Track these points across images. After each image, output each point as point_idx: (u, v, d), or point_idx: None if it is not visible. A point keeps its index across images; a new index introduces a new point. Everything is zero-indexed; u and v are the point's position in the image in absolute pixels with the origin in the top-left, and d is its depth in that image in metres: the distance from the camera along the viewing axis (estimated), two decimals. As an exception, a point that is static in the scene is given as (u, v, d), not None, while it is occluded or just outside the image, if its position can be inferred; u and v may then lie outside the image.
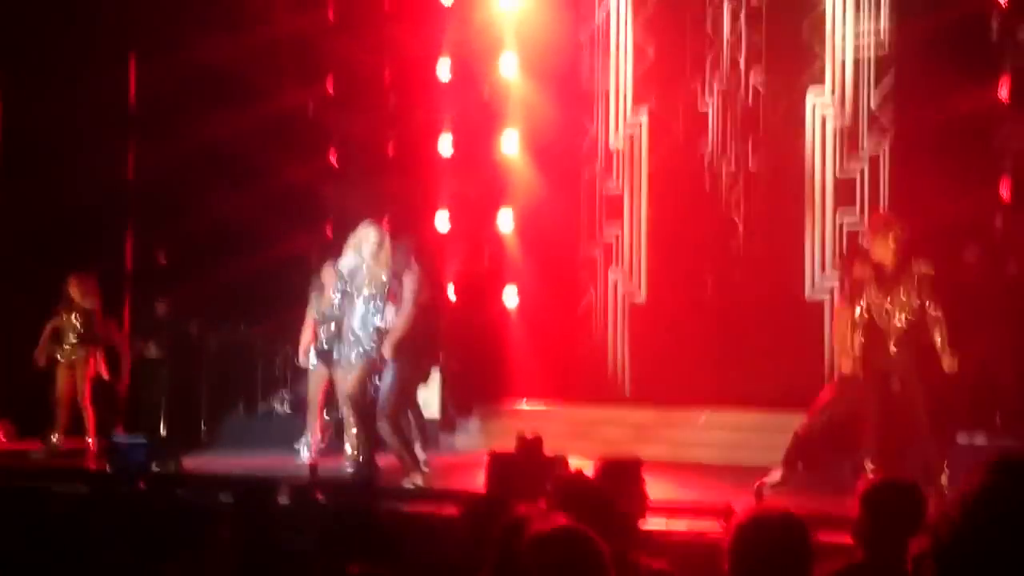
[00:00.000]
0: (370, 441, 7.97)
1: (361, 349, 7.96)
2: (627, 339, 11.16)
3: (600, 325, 11.28)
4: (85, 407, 9.95)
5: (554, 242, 11.29)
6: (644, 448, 9.38)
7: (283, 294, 10.44)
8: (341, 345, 8.16)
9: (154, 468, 7.94)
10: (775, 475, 7.29)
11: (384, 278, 7.95)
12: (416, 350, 8.02)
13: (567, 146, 11.43)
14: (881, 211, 9.47)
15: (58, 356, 9.95)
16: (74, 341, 9.96)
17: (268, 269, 10.95)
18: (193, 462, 9.08)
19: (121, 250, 11.87)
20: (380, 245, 7.99)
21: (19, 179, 11.36)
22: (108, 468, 8.04)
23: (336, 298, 8.14)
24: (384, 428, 7.74)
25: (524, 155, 11.45)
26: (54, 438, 9.89)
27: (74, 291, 10.02)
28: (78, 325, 9.94)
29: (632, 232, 11.21)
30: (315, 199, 11.88)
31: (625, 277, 11.22)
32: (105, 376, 10.14)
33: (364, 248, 7.96)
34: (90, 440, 9.82)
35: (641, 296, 11.13)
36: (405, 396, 8.04)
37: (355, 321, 7.99)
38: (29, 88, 11.38)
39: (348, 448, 8.88)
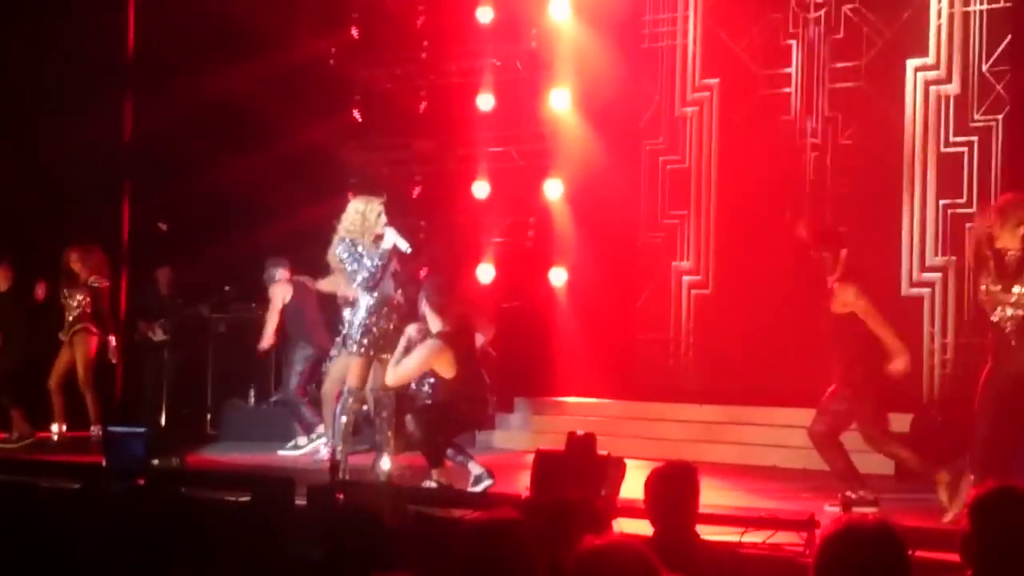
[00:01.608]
0: (391, 436, 8.04)
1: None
2: (692, 331, 11.12)
3: (661, 314, 11.24)
4: (85, 393, 10.06)
5: (609, 220, 11.22)
6: (712, 449, 9.47)
7: (300, 270, 10.47)
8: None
9: (154, 463, 8.01)
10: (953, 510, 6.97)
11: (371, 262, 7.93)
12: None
13: (626, 109, 11.32)
14: (1012, 193, 9.19)
15: (60, 336, 10.09)
16: (72, 320, 10.07)
17: (284, 241, 11.00)
18: (198, 457, 9.15)
19: (118, 219, 11.96)
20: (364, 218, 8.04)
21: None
22: (103, 462, 8.11)
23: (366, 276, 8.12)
24: (412, 422, 7.76)
25: (576, 116, 11.35)
26: (54, 428, 10.02)
27: (76, 265, 10.12)
28: (79, 302, 10.04)
29: (699, 214, 11.12)
30: (336, 162, 11.92)
31: (690, 265, 11.16)
32: (114, 360, 10.25)
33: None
34: (94, 430, 9.94)
35: (708, 286, 11.06)
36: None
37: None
38: (4, 33, 11.47)
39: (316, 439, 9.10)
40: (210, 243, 11.31)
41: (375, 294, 8.02)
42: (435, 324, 7.68)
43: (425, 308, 7.72)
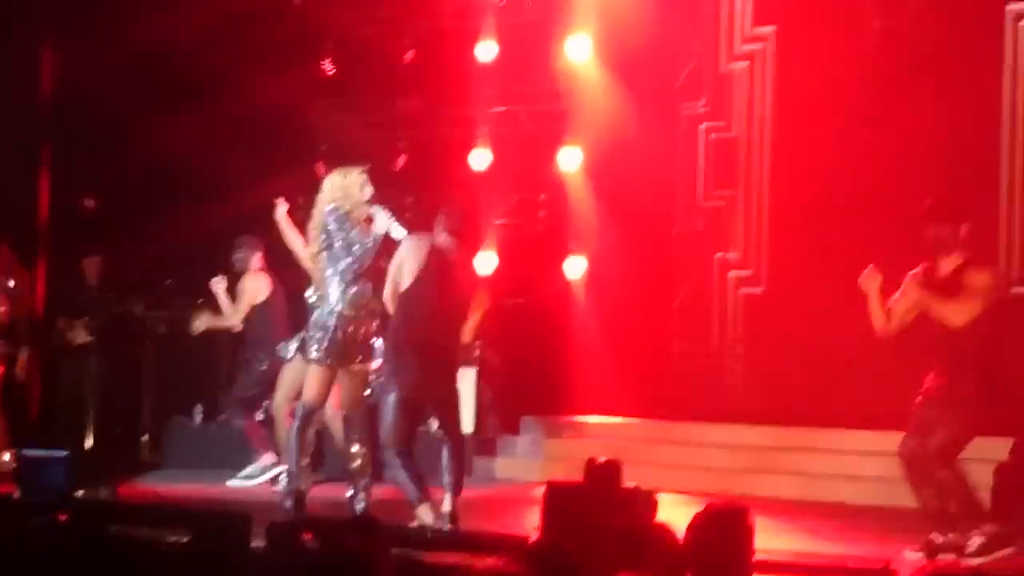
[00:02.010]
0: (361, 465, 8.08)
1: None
2: (741, 339, 11.12)
3: (702, 319, 11.24)
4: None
5: (638, 201, 11.21)
6: (765, 481, 9.47)
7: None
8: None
9: (79, 494, 8.01)
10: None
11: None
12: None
13: (659, 63, 11.29)
14: None
15: None
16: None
17: (238, 222, 10.97)
18: (132, 487, 9.14)
19: (33, 195, 11.96)
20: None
21: None
22: (16, 493, 8.12)
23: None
24: (389, 451, 7.77)
25: (598, 70, 11.34)
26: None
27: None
28: None
29: (749, 195, 11.10)
30: (303, 125, 11.91)
31: (738, 257, 11.14)
32: (20, 377, 10.27)
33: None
34: (5, 456, 9.95)
35: (760, 284, 11.06)
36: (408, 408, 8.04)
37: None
38: None
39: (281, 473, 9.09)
40: (148, 224, 11.31)
41: (352, 289, 7.99)
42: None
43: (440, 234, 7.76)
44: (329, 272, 8.05)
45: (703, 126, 11.30)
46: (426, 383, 7.83)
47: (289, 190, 11.29)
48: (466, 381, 10.79)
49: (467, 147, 11.54)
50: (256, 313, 9.97)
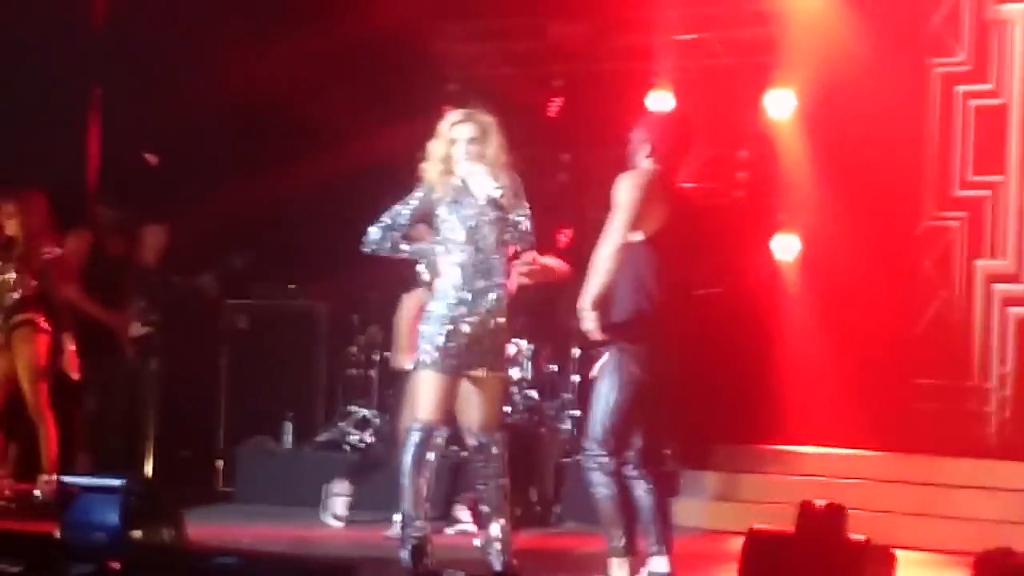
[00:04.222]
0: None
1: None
2: (1013, 375, 10.96)
3: (956, 346, 11.13)
4: (36, 422, 10.27)
5: (872, 175, 11.12)
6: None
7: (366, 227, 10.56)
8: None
9: (135, 535, 8.13)
10: None
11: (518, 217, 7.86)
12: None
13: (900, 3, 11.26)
14: None
15: None
16: (7, 309, 10.30)
17: (339, 183, 11.12)
18: (202, 526, 9.28)
19: (80, 148, 12.21)
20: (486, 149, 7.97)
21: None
22: (57, 533, 8.27)
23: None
24: (595, 461, 7.71)
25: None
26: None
27: (10, 224, 10.34)
28: (16, 282, 10.27)
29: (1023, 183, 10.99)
30: (424, 57, 12.00)
31: (1007, 266, 11.05)
32: (73, 373, 10.47)
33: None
34: (44, 479, 10.17)
35: None
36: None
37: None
38: None
39: (466, 517, 8.98)
40: (223, 186, 11.45)
41: (463, 273, 7.97)
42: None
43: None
44: (429, 257, 8.05)
45: (961, 89, 11.21)
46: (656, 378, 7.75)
47: (407, 142, 11.41)
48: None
49: (643, 88, 11.55)
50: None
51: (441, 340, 7.84)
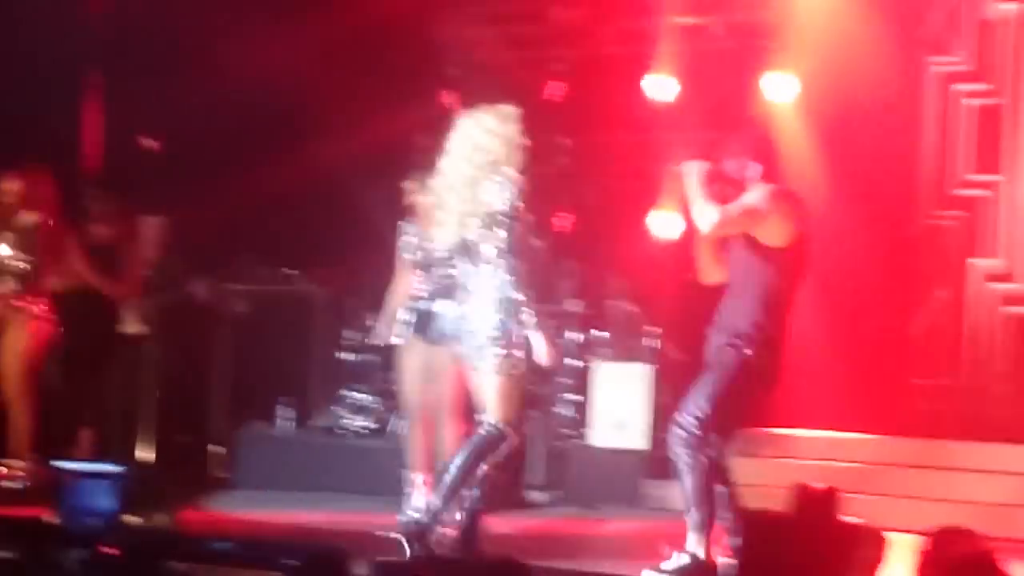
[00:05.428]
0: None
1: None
2: (1006, 373, 10.99)
3: (951, 345, 11.19)
4: (13, 400, 10.28)
5: (869, 170, 11.17)
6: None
7: (366, 212, 10.62)
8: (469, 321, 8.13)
9: (131, 520, 8.17)
10: None
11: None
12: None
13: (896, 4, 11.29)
14: None
15: None
16: (11, 285, 10.31)
17: (338, 170, 11.14)
18: (198, 512, 9.32)
19: (76, 133, 12.22)
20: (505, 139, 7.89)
21: None
22: (51, 517, 8.30)
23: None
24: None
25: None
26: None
27: (11, 198, 10.33)
28: (11, 258, 10.26)
29: (1020, 182, 10.97)
30: (425, 41, 12.05)
31: (1003, 266, 11.06)
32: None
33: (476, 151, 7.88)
34: (19, 465, 10.18)
35: None
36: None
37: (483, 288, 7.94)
38: None
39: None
40: (222, 173, 11.46)
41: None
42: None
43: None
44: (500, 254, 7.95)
45: (958, 88, 11.22)
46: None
47: (407, 127, 11.46)
48: (639, 381, 10.84)
49: (643, 72, 11.58)
50: None
51: None
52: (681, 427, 7.55)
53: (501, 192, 7.75)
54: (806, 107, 11.35)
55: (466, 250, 7.88)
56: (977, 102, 11.15)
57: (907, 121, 11.25)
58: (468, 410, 8.52)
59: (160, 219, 11.48)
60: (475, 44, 12.09)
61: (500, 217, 7.75)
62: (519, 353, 7.80)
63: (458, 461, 7.84)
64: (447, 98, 11.81)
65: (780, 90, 11.40)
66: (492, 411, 7.83)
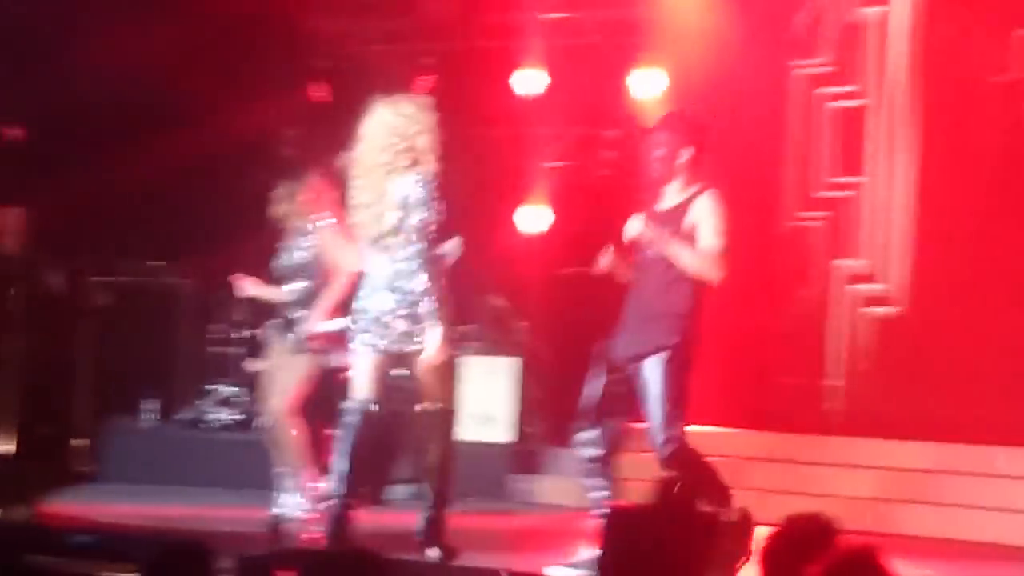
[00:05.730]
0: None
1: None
2: (866, 371, 11.09)
3: (814, 344, 11.25)
4: None
5: (735, 166, 10.86)
6: (907, 514, 9.53)
7: (234, 204, 10.56)
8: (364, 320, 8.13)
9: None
10: None
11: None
12: None
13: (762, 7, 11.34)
14: None
15: None
16: None
17: (205, 162, 11.07)
18: (58, 505, 9.22)
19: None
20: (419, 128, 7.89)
21: None
22: None
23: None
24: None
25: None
26: None
27: None
28: None
29: (883, 183, 11.04)
30: (293, 34, 11.99)
31: (865, 266, 11.13)
32: None
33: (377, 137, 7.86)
34: None
35: (893, 302, 11.01)
36: None
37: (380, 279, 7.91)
38: None
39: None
40: (88, 163, 11.35)
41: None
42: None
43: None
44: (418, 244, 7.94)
45: (822, 91, 11.28)
46: None
47: (275, 119, 11.42)
48: (506, 375, 10.86)
49: (512, 65, 11.61)
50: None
51: None
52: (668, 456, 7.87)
53: (416, 180, 7.78)
54: (673, 104, 11.38)
55: (379, 238, 7.87)
56: (841, 104, 11.21)
57: (772, 122, 11.30)
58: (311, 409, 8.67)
59: (19, 210, 11.39)
60: (344, 36, 12.04)
61: (414, 205, 7.78)
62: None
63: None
64: (316, 90, 11.79)
65: (648, 86, 11.45)
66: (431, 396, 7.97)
